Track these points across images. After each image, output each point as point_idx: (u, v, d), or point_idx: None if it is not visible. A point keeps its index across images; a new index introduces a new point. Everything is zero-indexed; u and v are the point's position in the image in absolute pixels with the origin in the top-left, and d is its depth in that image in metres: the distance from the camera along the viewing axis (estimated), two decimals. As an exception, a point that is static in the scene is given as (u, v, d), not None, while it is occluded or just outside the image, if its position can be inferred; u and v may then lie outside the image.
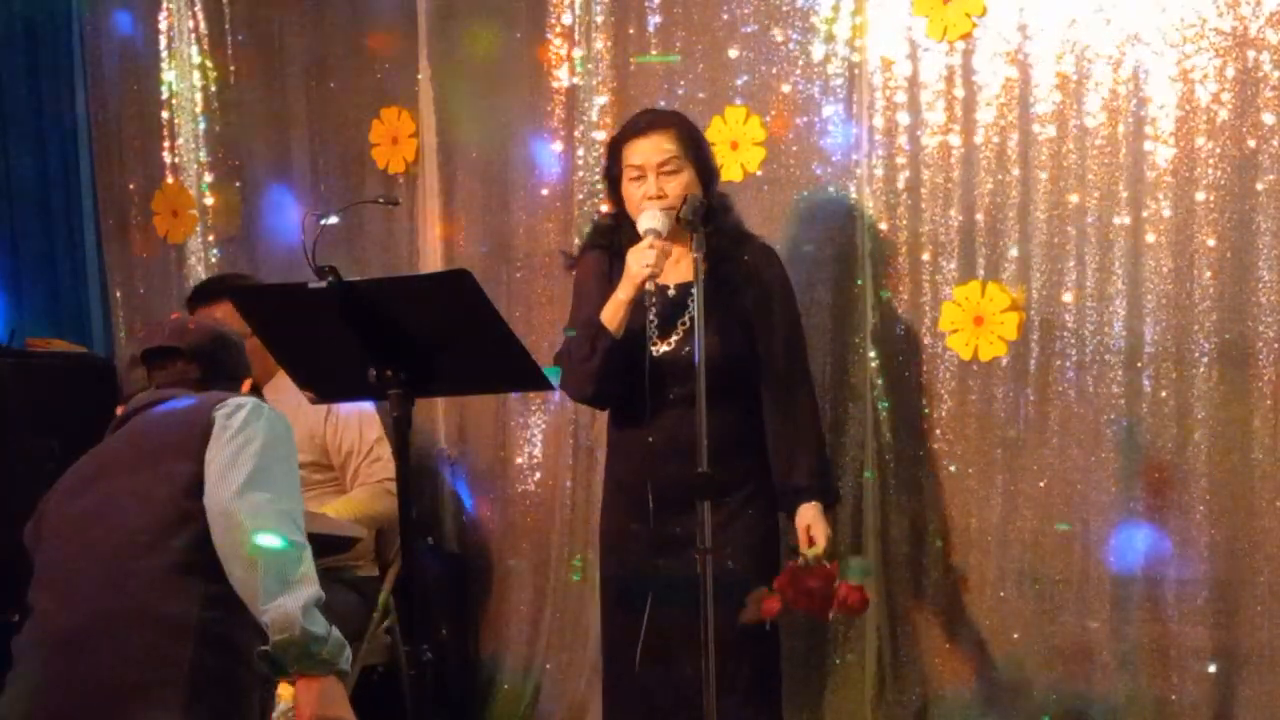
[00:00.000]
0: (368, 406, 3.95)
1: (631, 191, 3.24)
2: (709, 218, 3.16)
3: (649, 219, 3.15)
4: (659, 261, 3.10)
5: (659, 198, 3.19)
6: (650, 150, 3.22)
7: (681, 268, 3.28)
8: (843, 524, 3.86)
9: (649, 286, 3.09)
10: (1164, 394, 3.55)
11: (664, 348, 3.26)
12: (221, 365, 2.78)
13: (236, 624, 2.40)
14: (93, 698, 2.36)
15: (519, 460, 4.42)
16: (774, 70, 3.95)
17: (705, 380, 2.91)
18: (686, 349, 3.22)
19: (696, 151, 3.27)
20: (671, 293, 3.28)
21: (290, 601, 2.30)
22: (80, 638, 2.41)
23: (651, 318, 3.25)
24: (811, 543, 3.23)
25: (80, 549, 2.51)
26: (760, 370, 3.31)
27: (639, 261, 3.11)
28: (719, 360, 3.11)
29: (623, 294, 3.18)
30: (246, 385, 2.79)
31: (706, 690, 2.87)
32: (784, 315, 3.35)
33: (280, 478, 2.49)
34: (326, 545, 3.64)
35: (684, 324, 3.25)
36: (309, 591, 2.33)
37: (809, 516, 3.27)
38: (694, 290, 3.02)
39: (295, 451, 2.62)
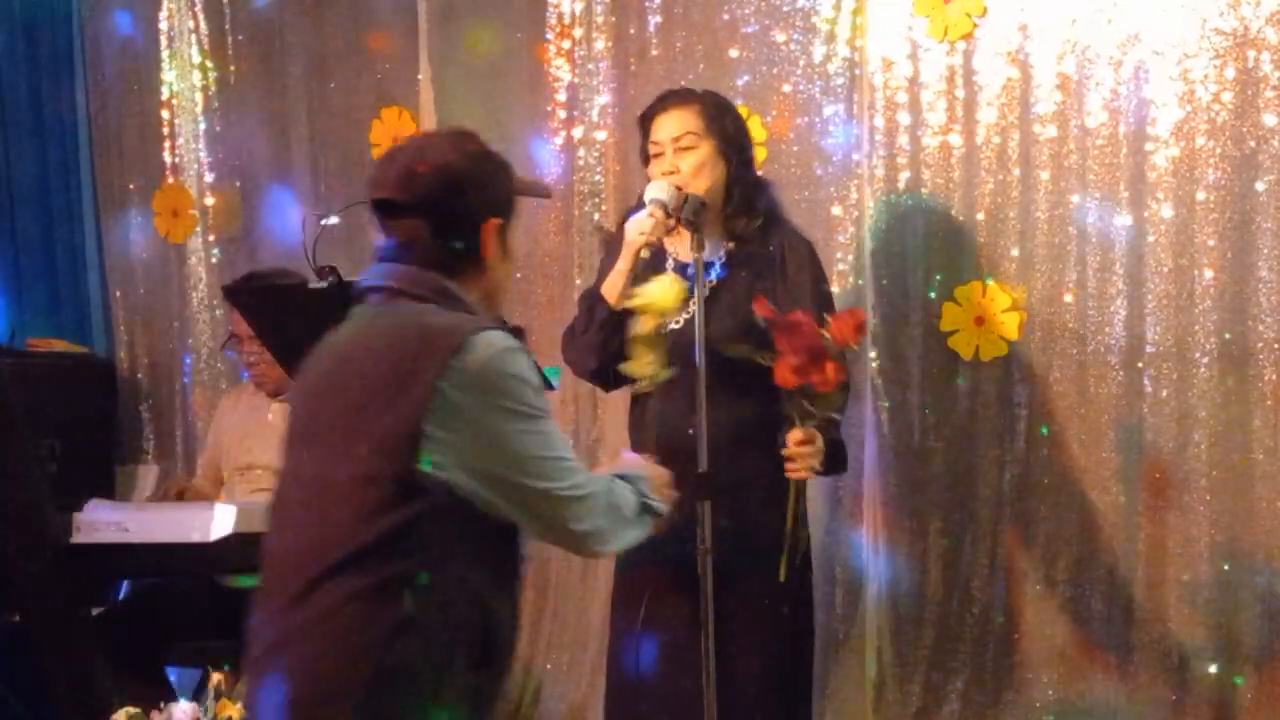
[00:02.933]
0: None
1: (651, 168, 3.17)
2: (748, 201, 3.10)
3: (653, 189, 3.07)
4: (655, 230, 3.01)
5: (672, 173, 3.10)
6: (670, 125, 3.15)
7: (705, 247, 3.14)
8: (843, 524, 3.86)
9: (644, 254, 3.02)
10: (1164, 394, 3.55)
11: (672, 326, 3.11)
12: (456, 216, 2.28)
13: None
14: None
15: (519, 460, 4.41)
16: (775, 70, 3.95)
17: (715, 364, 2.87)
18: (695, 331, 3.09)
19: (720, 128, 3.16)
20: (689, 270, 3.15)
21: None
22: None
23: None
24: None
25: None
26: None
27: (635, 229, 3.03)
28: (729, 344, 3.01)
29: (621, 263, 3.08)
30: (490, 227, 2.31)
31: (707, 691, 2.86)
32: (798, 302, 3.12)
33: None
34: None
35: (694, 303, 3.07)
36: None
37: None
38: (713, 266, 2.98)
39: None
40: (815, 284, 3.17)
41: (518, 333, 2.26)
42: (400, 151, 2.30)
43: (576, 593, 4.27)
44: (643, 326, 2.99)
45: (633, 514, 2.36)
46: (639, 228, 3.02)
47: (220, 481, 4.13)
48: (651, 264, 3.14)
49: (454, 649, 2.11)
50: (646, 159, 3.21)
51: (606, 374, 3.17)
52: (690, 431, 2.97)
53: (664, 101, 3.22)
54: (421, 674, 2.08)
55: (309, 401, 2.27)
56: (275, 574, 2.18)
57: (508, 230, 2.33)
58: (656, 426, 3.11)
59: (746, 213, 3.15)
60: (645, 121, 3.22)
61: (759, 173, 3.35)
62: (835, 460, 3.10)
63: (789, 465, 2.96)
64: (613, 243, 3.24)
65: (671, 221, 3.06)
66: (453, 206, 2.24)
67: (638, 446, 3.22)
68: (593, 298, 3.15)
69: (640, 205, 3.10)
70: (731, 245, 3.15)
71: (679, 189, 3.06)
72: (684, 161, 3.11)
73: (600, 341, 3.10)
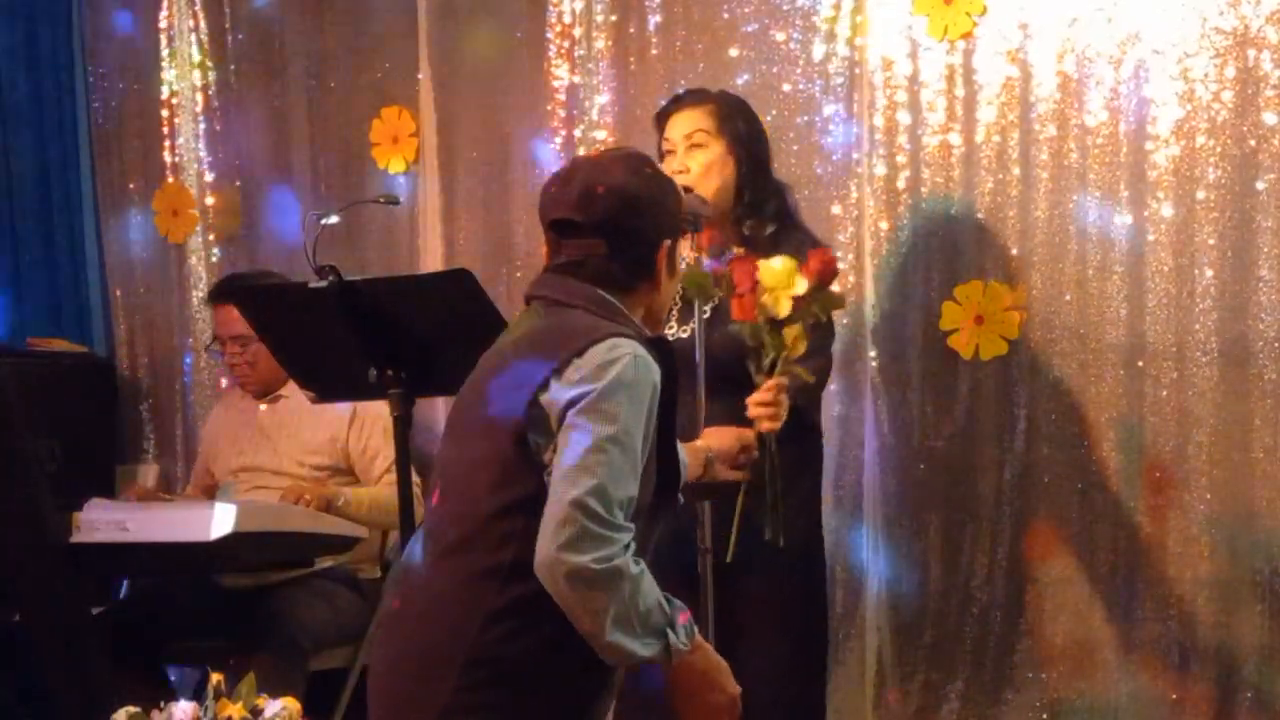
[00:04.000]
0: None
1: (663, 167, 3.16)
2: (758, 204, 3.09)
3: None
4: None
5: (682, 172, 3.08)
6: (682, 124, 3.15)
7: (715, 250, 3.14)
8: (843, 524, 3.86)
9: None
10: (1165, 393, 3.54)
11: (680, 333, 3.13)
12: (633, 238, 2.32)
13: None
14: None
15: (519, 460, 4.41)
16: (774, 70, 3.95)
17: (717, 372, 2.85)
18: (703, 337, 3.07)
19: (732, 128, 3.14)
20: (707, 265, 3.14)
21: None
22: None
23: (675, 299, 3.13)
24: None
25: None
26: None
27: None
28: (731, 353, 2.97)
29: None
30: (664, 249, 2.35)
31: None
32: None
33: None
34: (327, 545, 3.66)
35: (703, 311, 3.06)
36: None
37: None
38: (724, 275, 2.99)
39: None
40: None
41: (660, 346, 2.27)
42: (578, 171, 2.35)
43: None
44: (778, 308, 2.85)
45: (642, 626, 2.13)
46: None
47: (212, 488, 4.13)
48: None
49: (549, 642, 2.15)
50: (661, 157, 3.20)
51: None
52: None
53: (679, 101, 3.22)
54: (515, 665, 2.14)
55: (463, 391, 2.36)
56: (422, 544, 2.29)
57: (675, 250, 2.39)
58: None
59: (756, 216, 3.14)
60: (660, 120, 3.22)
61: (777, 179, 3.31)
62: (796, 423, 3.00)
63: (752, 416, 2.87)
64: None
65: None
66: (631, 228, 2.30)
67: None
68: None
69: None
70: (741, 250, 3.12)
71: (685, 189, 3.06)
72: (694, 160, 3.11)
73: None
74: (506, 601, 2.14)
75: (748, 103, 3.33)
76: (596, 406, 2.12)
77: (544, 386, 2.16)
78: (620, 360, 2.15)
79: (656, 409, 2.20)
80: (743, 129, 3.17)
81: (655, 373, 2.20)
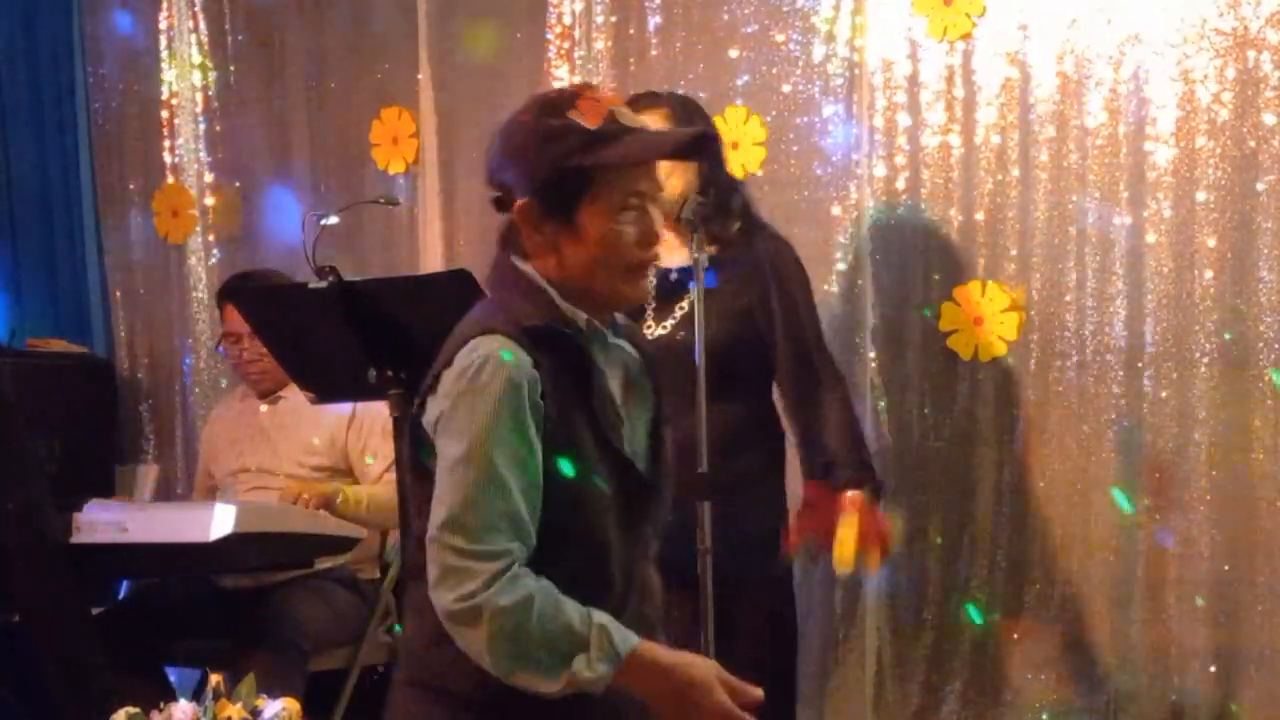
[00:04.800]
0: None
1: None
2: (723, 202, 3.10)
3: None
4: None
5: None
6: None
7: (684, 251, 3.18)
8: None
9: None
10: (1164, 394, 3.55)
11: (658, 330, 3.16)
12: (512, 187, 2.05)
13: None
14: None
15: (519, 460, 4.41)
16: (774, 70, 3.95)
17: (707, 369, 2.86)
18: (681, 334, 3.13)
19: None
20: (673, 276, 3.20)
21: None
22: None
23: (650, 300, 3.16)
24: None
25: None
26: (774, 365, 3.19)
27: None
28: (717, 348, 2.99)
29: None
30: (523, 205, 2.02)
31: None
32: (795, 307, 3.18)
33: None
34: (327, 546, 3.66)
35: (681, 308, 3.16)
36: None
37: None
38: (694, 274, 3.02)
39: None
40: (805, 289, 3.22)
41: (548, 332, 1.97)
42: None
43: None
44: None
45: (547, 655, 1.86)
46: None
47: (215, 489, 4.13)
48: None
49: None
50: None
51: None
52: (678, 435, 2.97)
53: (632, 106, 3.22)
54: (460, 690, 1.96)
55: None
56: None
57: (586, 205, 1.99)
58: None
59: (722, 215, 3.16)
60: None
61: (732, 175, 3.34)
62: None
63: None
64: None
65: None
66: (506, 178, 2.06)
67: None
68: None
69: None
70: (714, 249, 3.14)
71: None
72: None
73: None
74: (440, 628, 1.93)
75: (698, 102, 3.34)
76: (446, 426, 1.91)
77: (423, 408, 1.98)
78: (471, 366, 1.91)
79: (542, 405, 1.91)
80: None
81: (518, 368, 1.90)
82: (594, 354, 2.03)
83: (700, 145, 2.21)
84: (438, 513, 1.89)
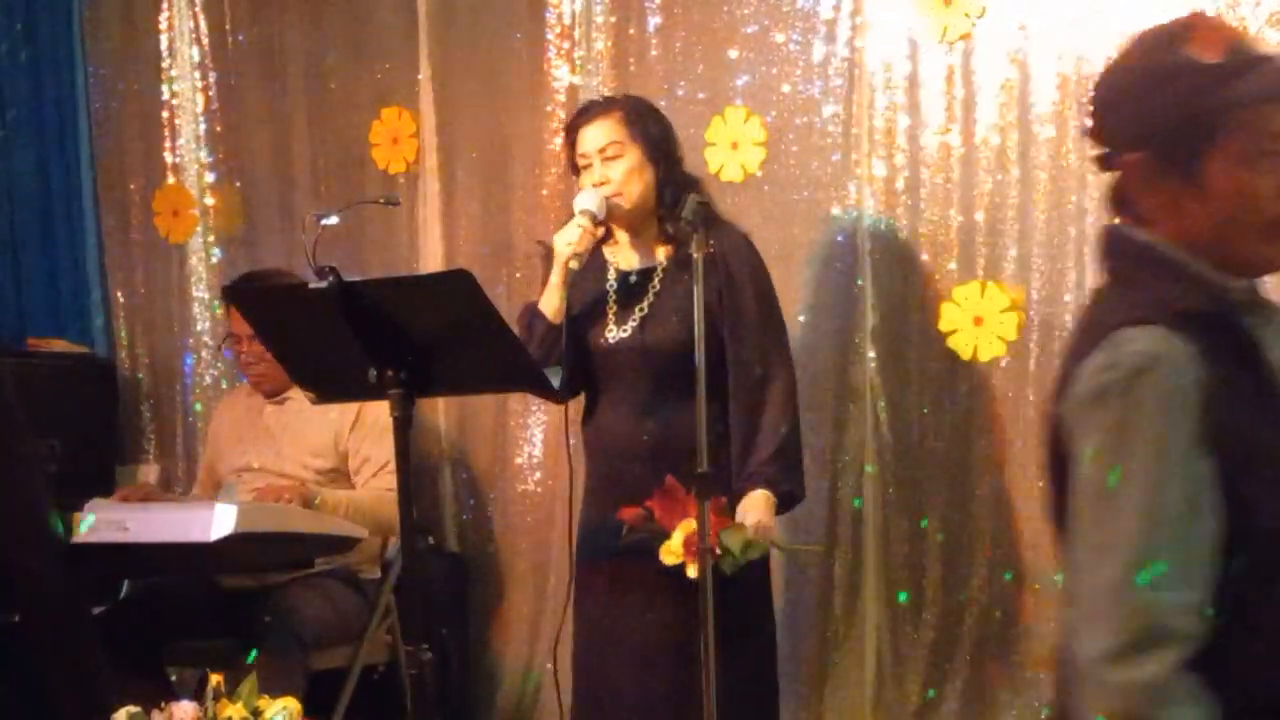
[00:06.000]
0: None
1: (582, 179, 3.19)
2: (679, 201, 3.08)
3: (582, 199, 3.11)
4: (583, 241, 3.05)
5: (603, 184, 3.13)
6: (594, 136, 3.17)
7: (642, 252, 3.22)
8: (843, 524, 3.86)
9: (573, 265, 3.05)
10: (1163, 394, 3.54)
11: (621, 334, 3.17)
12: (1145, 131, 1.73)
13: None
14: None
15: (519, 460, 4.42)
16: (774, 70, 3.95)
17: (659, 370, 2.87)
18: (642, 337, 3.14)
19: (643, 133, 3.17)
20: (633, 279, 3.21)
21: None
22: None
23: (611, 303, 3.19)
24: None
25: None
26: (727, 363, 3.15)
27: (563, 241, 3.07)
28: (678, 349, 3.02)
29: (554, 276, 3.11)
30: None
31: (707, 690, 2.85)
32: (750, 305, 3.15)
33: None
34: (327, 545, 3.66)
35: (641, 309, 3.16)
36: None
37: (748, 505, 3.04)
38: (655, 275, 3.03)
39: None
40: (756, 283, 3.17)
41: (1211, 319, 1.61)
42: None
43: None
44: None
45: None
46: (565, 239, 3.08)
47: (219, 486, 4.14)
48: (593, 275, 3.19)
49: None
50: (577, 172, 3.23)
51: (549, 387, 3.11)
52: (644, 438, 3.09)
53: (586, 113, 3.25)
54: None
55: None
56: None
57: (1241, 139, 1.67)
58: (606, 436, 3.19)
59: (679, 213, 3.16)
60: (570, 133, 3.25)
61: (687, 171, 3.32)
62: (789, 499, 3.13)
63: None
64: (551, 257, 3.23)
65: (600, 231, 3.11)
66: (1129, 119, 1.73)
67: (591, 453, 3.29)
68: (531, 313, 3.17)
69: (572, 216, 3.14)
70: (670, 249, 3.15)
71: (609, 198, 3.11)
72: (613, 170, 3.15)
73: (541, 357, 3.10)
74: None
75: (651, 102, 3.35)
76: (1091, 438, 1.58)
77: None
78: (1121, 365, 1.57)
79: (1218, 412, 1.56)
80: (654, 131, 3.20)
81: (1182, 368, 1.56)
82: (1261, 335, 1.68)
83: None
84: (1102, 562, 1.56)
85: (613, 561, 3.16)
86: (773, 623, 3.30)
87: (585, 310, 3.21)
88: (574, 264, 3.07)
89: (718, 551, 2.85)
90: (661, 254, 3.21)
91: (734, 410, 3.13)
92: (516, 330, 3.11)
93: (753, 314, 3.15)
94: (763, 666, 3.24)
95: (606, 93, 4.18)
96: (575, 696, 3.30)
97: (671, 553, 2.91)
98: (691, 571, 2.85)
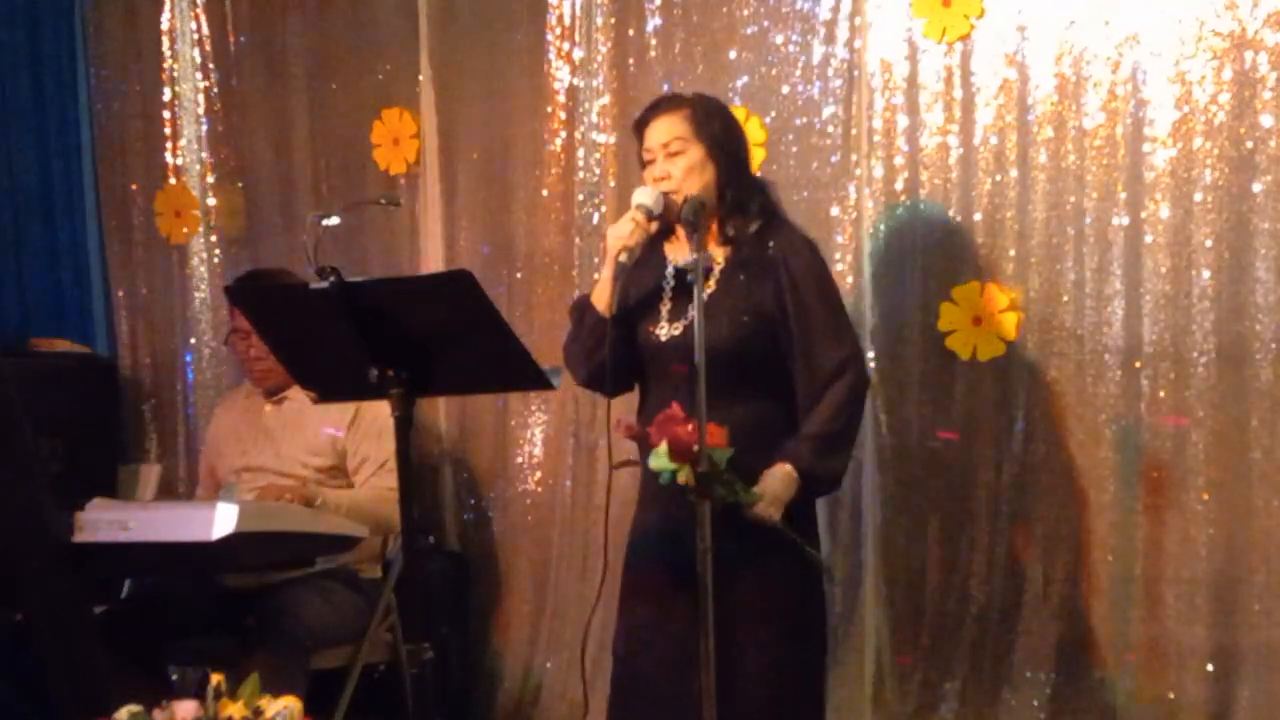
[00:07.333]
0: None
1: (645, 174, 3.18)
2: (741, 203, 3.11)
3: (639, 195, 3.09)
4: (634, 236, 3.03)
5: (664, 179, 3.11)
6: (658, 131, 3.16)
7: (703, 245, 3.14)
8: (843, 524, 3.87)
9: (622, 259, 3.02)
10: (1162, 394, 3.56)
11: (672, 331, 3.14)
12: None
13: None
14: None
15: (519, 460, 4.43)
16: (774, 71, 3.97)
17: (713, 370, 2.86)
18: (691, 335, 3.05)
19: (709, 132, 3.15)
20: (689, 277, 3.14)
21: None
22: None
23: (665, 299, 3.17)
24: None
25: None
26: (790, 365, 3.14)
27: (614, 235, 3.06)
28: (725, 349, 3.01)
29: (605, 270, 3.09)
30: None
31: (706, 690, 2.85)
32: (816, 306, 3.11)
33: None
34: (328, 545, 3.67)
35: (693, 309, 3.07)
36: None
37: (768, 475, 3.01)
38: (710, 275, 3.00)
39: None
40: (819, 283, 3.14)
41: None
42: None
43: (576, 592, 4.28)
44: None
45: None
46: (617, 234, 3.06)
47: (219, 485, 4.15)
48: (651, 270, 3.17)
49: None
50: (643, 165, 3.22)
51: (600, 380, 3.14)
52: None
53: (655, 108, 3.23)
54: None
55: None
56: None
57: None
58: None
59: (740, 215, 3.15)
60: (638, 128, 3.24)
61: (757, 174, 3.34)
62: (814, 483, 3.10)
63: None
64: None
65: (654, 226, 3.08)
66: None
67: (644, 451, 3.25)
68: (582, 306, 3.17)
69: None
70: (728, 249, 3.15)
71: (668, 194, 3.08)
72: (674, 166, 3.13)
73: (589, 349, 3.11)
74: None
75: (723, 103, 3.33)
76: None
77: None
78: None
79: None
80: (719, 130, 3.18)
81: None
82: None
83: None
84: None
85: (665, 565, 3.13)
86: (822, 615, 3.28)
87: (639, 305, 3.19)
88: (624, 258, 3.03)
89: (701, 467, 2.81)
90: (720, 254, 3.18)
91: (801, 409, 3.12)
92: (569, 320, 3.14)
93: (820, 315, 3.12)
94: (810, 662, 3.21)
95: (606, 94, 4.20)
96: (613, 690, 3.27)
97: (659, 457, 2.86)
98: (682, 476, 2.83)
